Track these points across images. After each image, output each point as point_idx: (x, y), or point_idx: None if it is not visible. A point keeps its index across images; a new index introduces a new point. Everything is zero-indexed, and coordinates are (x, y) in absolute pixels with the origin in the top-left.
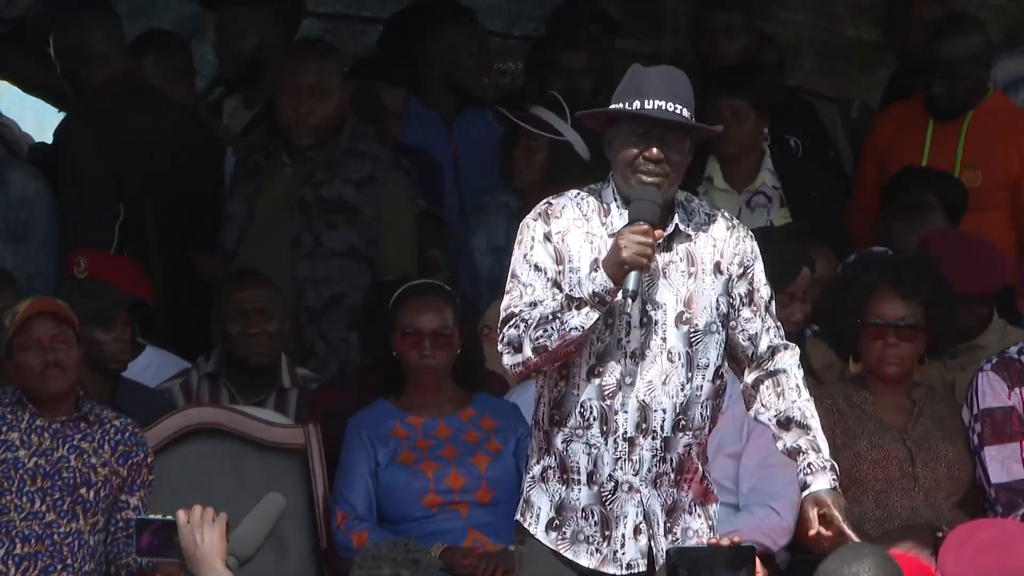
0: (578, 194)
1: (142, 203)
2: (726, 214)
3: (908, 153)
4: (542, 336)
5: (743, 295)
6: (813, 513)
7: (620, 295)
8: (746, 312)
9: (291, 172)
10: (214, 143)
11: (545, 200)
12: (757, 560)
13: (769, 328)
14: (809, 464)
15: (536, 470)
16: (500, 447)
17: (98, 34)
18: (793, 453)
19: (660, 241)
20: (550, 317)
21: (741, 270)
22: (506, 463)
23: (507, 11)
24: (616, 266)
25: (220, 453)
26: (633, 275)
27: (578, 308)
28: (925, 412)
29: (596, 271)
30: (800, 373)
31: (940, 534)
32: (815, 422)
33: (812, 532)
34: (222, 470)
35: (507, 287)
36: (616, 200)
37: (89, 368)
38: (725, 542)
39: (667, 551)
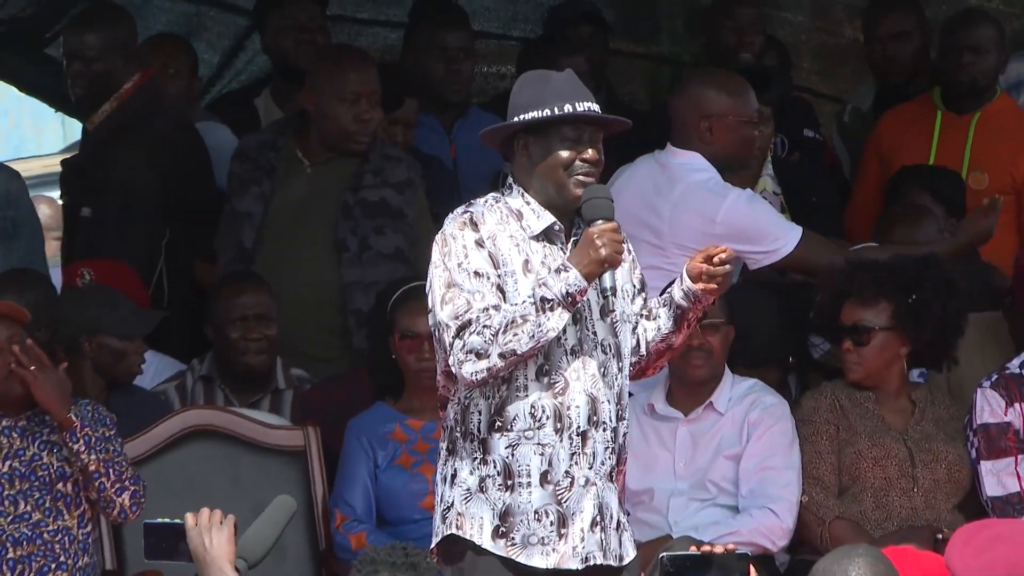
0: (486, 202)
1: (181, 218)
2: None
3: (914, 154)
4: (511, 340)
5: (639, 281)
6: (699, 259)
7: (598, 292)
8: (640, 298)
9: (311, 173)
10: (205, 146)
11: (461, 209)
12: (752, 568)
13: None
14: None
15: (471, 482)
16: None
17: (120, 38)
18: (665, 302)
19: (575, 238)
20: (519, 321)
21: (631, 257)
22: None
23: (504, 13)
24: (596, 264)
25: (218, 455)
26: (610, 273)
27: (551, 310)
28: (926, 413)
29: (565, 271)
30: None
31: (940, 536)
32: None
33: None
34: (220, 472)
35: (445, 298)
36: (530, 204)
37: (95, 373)
38: (719, 549)
39: (660, 558)
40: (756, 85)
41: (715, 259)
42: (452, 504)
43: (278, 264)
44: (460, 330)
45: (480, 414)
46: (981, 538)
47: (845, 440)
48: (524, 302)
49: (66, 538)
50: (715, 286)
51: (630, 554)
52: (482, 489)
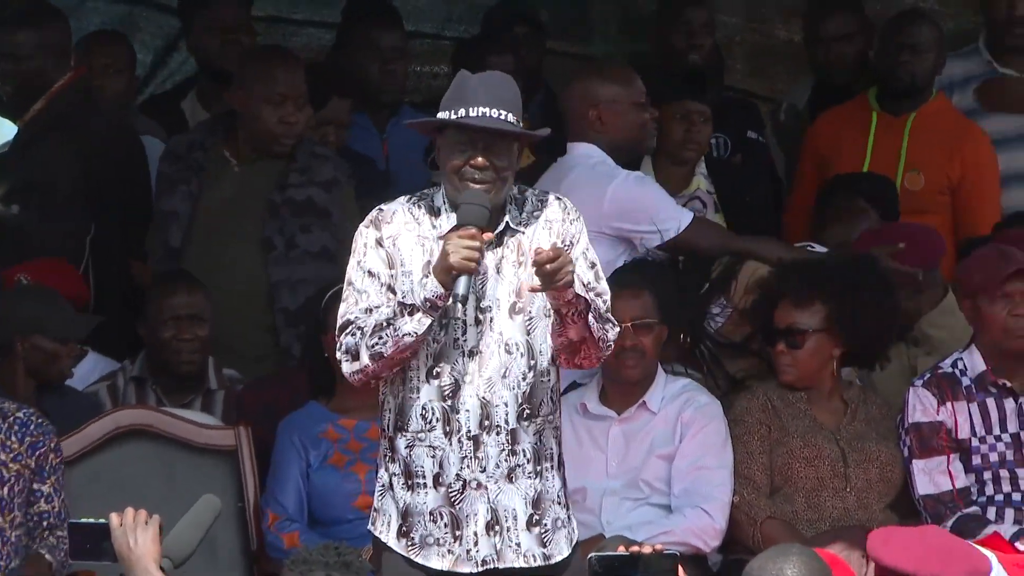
0: (411, 198)
1: (107, 215)
2: (559, 197)
3: (850, 155)
4: (378, 343)
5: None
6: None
7: (451, 300)
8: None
9: (239, 172)
10: (141, 146)
11: (377, 207)
12: (680, 567)
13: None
14: None
15: (384, 478)
16: None
17: (51, 37)
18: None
19: (491, 241)
20: (384, 324)
21: (566, 248)
22: None
23: (438, 14)
24: (444, 271)
25: (150, 455)
26: (463, 280)
27: (411, 314)
28: (858, 413)
29: (427, 277)
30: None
31: None
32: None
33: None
34: (152, 472)
35: (343, 295)
36: (446, 204)
37: (26, 374)
38: (647, 549)
39: (588, 558)
40: (694, 85)
41: (535, 258)
42: (375, 500)
43: (206, 263)
44: (340, 330)
45: (389, 412)
46: (904, 532)
47: (777, 440)
48: (391, 305)
49: None
50: (549, 285)
51: (563, 552)
52: (391, 486)
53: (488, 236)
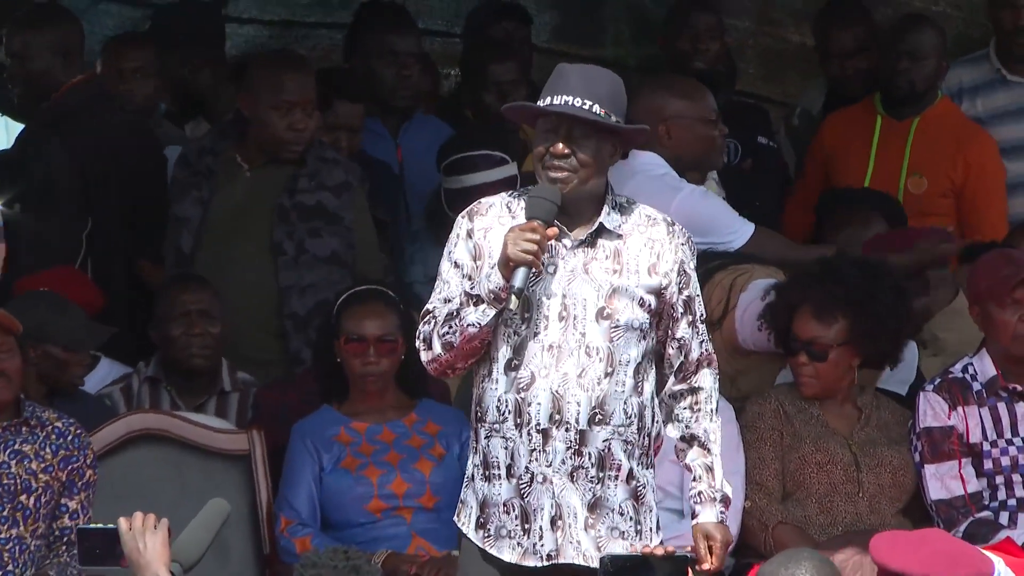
0: (512, 193)
1: (108, 213)
2: (668, 219)
3: (855, 157)
4: (448, 332)
5: (682, 303)
6: (703, 545)
7: (510, 292)
8: (683, 322)
9: (249, 177)
10: (161, 149)
11: (479, 200)
12: (690, 570)
13: (702, 342)
14: (700, 493)
15: (469, 470)
16: (444, 452)
17: (60, 39)
18: (688, 471)
19: (585, 237)
20: (455, 313)
21: (680, 279)
22: (450, 468)
23: (447, 10)
24: (503, 264)
25: (163, 459)
26: (520, 272)
27: (476, 304)
28: (871, 418)
29: (491, 269)
30: (716, 396)
31: None
32: (716, 448)
33: (705, 567)
34: (165, 476)
35: (435, 285)
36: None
37: (37, 380)
38: (659, 551)
39: (600, 559)
40: (714, 89)
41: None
42: (462, 492)
43: (217, 268)
44: (421, 318)
45: (474, 404)
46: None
47: (789, 446)
48: (462, 296)
49: (17, 548)
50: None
51: None
52: (473, 478)
53: (552, 232)
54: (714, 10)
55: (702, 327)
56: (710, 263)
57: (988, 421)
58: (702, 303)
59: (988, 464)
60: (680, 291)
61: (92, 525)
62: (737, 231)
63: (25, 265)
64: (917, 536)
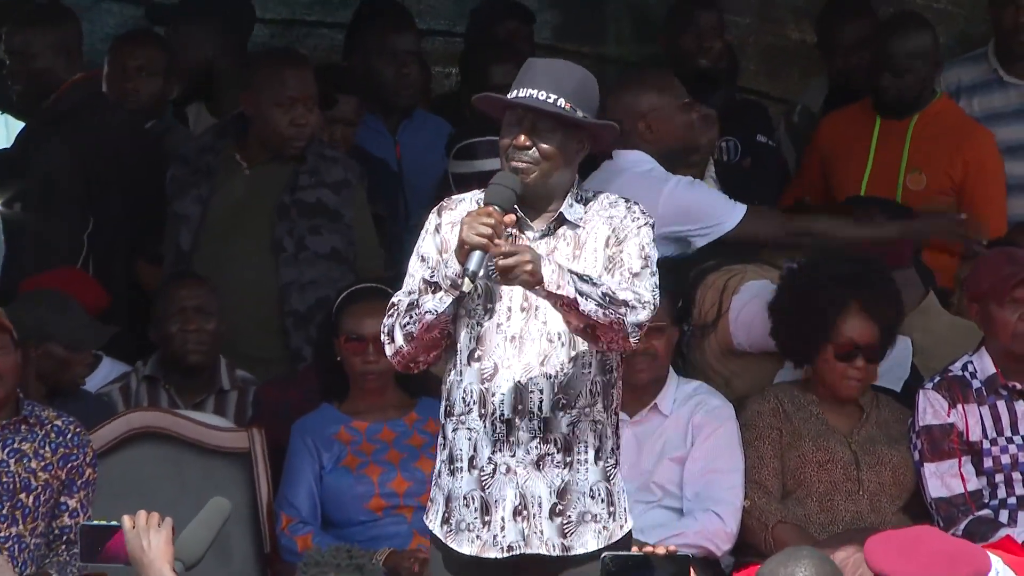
0: (484, 189)
1: (108, 212)
2: (629, 200)
3: (854, 155)
4: (408, 323)
5: (609, 260)
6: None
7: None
8: (609, 277)
9: (249, 175)
10: (159, 149)
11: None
12: (692, 570)
13: (625, 290)
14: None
15: (437, 466)
16: None
17: (62, 37)
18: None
19: (511, 224)
20: (415, 303)
21: (618, 242)
22: None
23: (448, 10)
24: (458, 248)
25: (163, 457)
26: (475, 256)
27: (433, 292)
28: (871, 416)
29: (450, 255)
30: (627, 298)
31: None
32: (603, 289)
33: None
34: (165, 474)
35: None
36: None
37: (37, 379)
38: (660, 550)
39: (601, 558)
40: (703, 89)
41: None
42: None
43: (216, 265)
44: (386, 312)
45: (441, 400)
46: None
47: (789, 444)
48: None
49: (17, 546)
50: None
51: (587, 546)
52: (439, 474)
53: (509, 219)
54: (716, 7)
55: (625, 280)
56: (703, 264)
57: (988, 419)
58: (640, 263)
59: (988, 462)
60: (613, 252)
61: (95, 522)
62: (729, 213)
63: (27, 265)
64: (911, 537)
